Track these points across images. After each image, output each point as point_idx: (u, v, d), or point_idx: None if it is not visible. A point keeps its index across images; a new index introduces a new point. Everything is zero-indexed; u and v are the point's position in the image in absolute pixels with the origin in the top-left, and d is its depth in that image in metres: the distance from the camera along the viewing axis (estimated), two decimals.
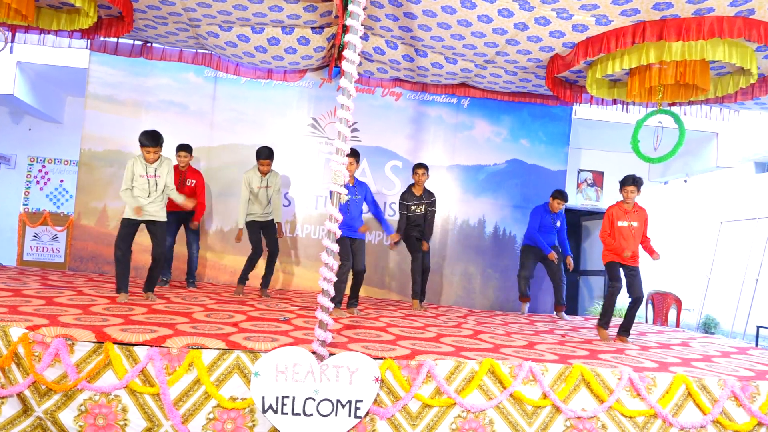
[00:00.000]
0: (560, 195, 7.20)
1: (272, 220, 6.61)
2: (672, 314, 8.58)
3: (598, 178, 10.64)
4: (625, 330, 5.58)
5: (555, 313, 7.51)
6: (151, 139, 5.20)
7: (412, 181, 6.81)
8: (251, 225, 6.48)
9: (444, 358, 3.66)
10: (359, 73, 7.78)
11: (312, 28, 6.52)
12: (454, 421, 3.50)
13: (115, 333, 3.53)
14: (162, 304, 5.01)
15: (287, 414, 3.33)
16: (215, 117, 7.91)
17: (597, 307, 9.70)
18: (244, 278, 6.50)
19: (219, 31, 6.72)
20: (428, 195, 6.85)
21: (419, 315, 6.12)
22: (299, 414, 3.34)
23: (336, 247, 3.52)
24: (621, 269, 5.59)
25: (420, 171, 6.72)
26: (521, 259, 7.46)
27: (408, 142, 8.22)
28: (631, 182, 5.57)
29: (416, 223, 6.78)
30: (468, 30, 5.88)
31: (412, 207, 6.72)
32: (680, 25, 4.97)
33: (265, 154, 6.37)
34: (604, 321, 5.64)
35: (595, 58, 5.83)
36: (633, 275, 5.55)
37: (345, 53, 3.54)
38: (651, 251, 5.63)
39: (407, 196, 6.76)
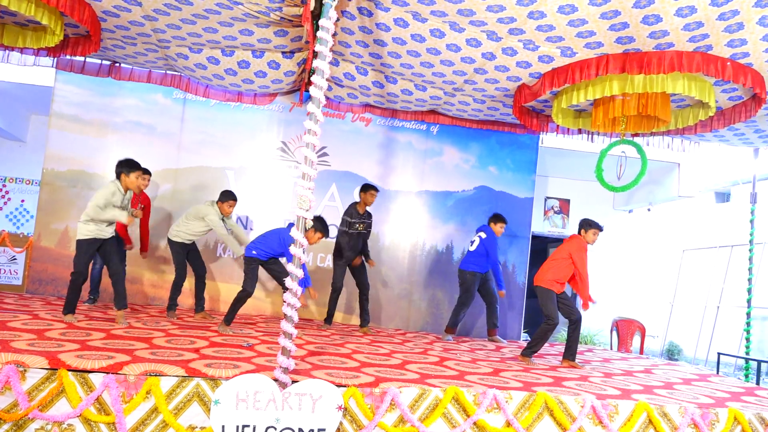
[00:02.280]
0: (503, 218, 7.25)
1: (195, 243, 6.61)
2: (636, 341, 8.70)
3: (564, 206, 10.80)
4: (572, 354, 5.69)
5: (489, 337, 7.44)
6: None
7: (356, 200, 6.92)
8: (180, 246, 6.42)
9: (408, 385, 3.63)
10: (329, 98, 7.81)
11: (283, 53, 6.54)
12: None
13: (70, 359, 3.42)
14: (122, 329, 4.88)
15: None
16: (183, 139, 7.84)
17: (563, 333, 9.77)
18: (173, 305, 6.39)
19: (189, 53, 6.69)
20: (368, 215, 7.02)
21: (385, 342, 6.07)
22: None
23: (300, 273, 3.48)
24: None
25: (375, 193, 6.88)
26: (471, 289, 7.16)
27: (378, 168, 8.25)
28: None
29: (353, 244, 6.80)
30: (437, 58, 5.96)
31: (356, 224, 6.79)
32: (642, 59, 5.13)
33: (233, 197, 6.46)
34: (533, 351, 5.70)
35: (561, 89, 5.96)
36: (566, 299, 5.78)
37: (313, 78, 3.55)
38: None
39: (353, 213, 6.81)
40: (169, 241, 6.43)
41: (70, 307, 5.16)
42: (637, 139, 6.71)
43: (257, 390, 3.31)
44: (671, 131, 6.99)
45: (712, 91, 5.49)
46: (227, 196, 6.40)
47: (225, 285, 7.70)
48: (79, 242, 5.23)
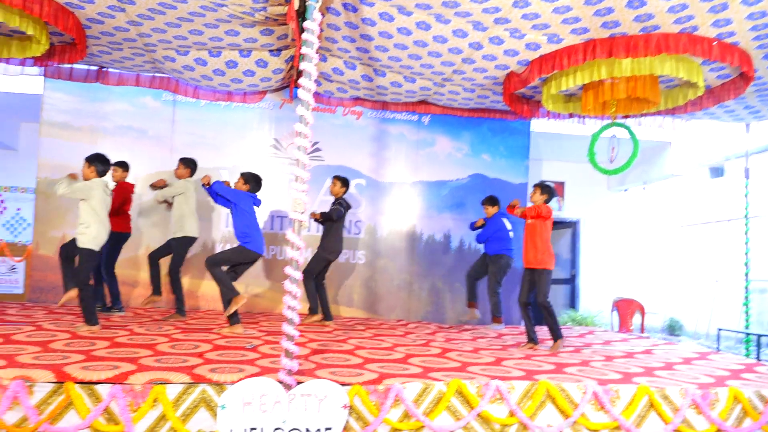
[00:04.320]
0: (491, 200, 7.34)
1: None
2: (636, 320, 8.78)
3: (559, 188, 10.84)
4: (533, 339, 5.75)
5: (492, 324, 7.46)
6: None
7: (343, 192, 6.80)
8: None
9: (412, 380, 3.68)
10: (319, 93, 7.81)
11: (270, 51, 6.53)
12: None
13: (76, 371, 3.46)
14: (125, 336, 4.92)
15: None
16: (175, 141, 7.83)
17: (563, 317, 9.85)
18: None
19: (176, 55, 6.67)
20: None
21: (387, 335, 6.12)
22: None
23: (298, 275, 3.51)
24: None
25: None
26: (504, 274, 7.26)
27: (371, 160, 8.26)
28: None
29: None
30: (424, 50, 5.97)
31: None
32: (628, 43, 5.15)
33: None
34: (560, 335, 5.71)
35: (549, 75, 5.97)
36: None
37: (301, 81, 3.55)
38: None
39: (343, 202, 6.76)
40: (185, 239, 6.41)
41: (94, 318, 5.15)
42: (627, 121, 6.73)
43: (263, 393, 3.35)
44: (661, 112, 7.02)
45: (700, 71, 5.51)
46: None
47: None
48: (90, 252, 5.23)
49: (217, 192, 5.74)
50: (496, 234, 7.17)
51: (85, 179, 5.25)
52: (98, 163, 5.27)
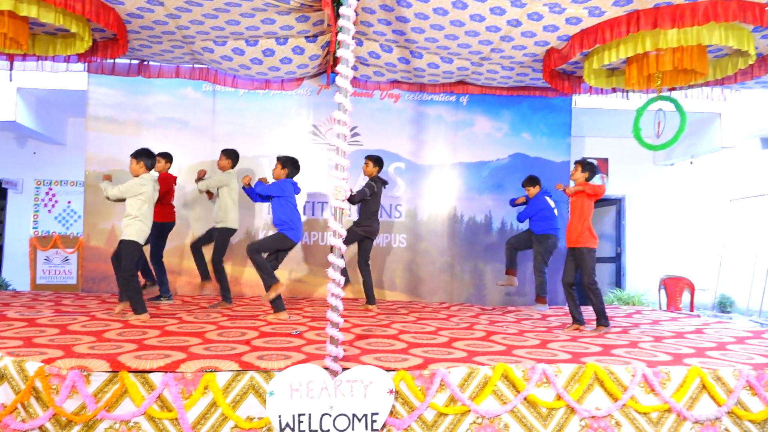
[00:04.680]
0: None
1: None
2: (685, 297, 8.56)
3: (602, 165, 10.60)
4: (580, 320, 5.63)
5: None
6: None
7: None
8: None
9: (457, 365, 3.67)
10: (356, 78, 7.79)
11: (306, 37, 6.53)
12: (470, 427, 3.51)
13: (129, 361, 3.57)
14: (175, 324, 5.05)
15: (304, 431, 3.36)
16: (216, 131, 7.95)
17: (609, 296, 9.67)
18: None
19: (213, 46, 6.74)
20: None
21: (431, 318, 6.12)
22: (316, 430, 3.36)
23: (342, 263, 3.53)
24: None
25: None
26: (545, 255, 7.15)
27: (409, 143, 8.23)
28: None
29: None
30: (461, 30, 5.87)
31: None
32: (674, 12, 4.95)
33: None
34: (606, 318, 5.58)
35: (591, 50, 5.80)
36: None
37: (338, 68, 3.54)
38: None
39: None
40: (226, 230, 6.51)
41: (141, 307, 5.29)
42: (674, 94, 6.51)
43: (309, 379, 3.40)
44: (710, 82, 6.75)
45: (751, 39, 5.28)
46: None
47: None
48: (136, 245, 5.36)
49: (259, 193, 5.79)
50: (541, 213, 7.03)
51: (135, 175, 5.37)
52: (145, 157, 5.38)
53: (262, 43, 6.66)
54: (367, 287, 6.73)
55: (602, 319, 5.47)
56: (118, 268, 5.47)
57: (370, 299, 6.75)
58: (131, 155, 5.40)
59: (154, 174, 5.47)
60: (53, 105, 9.21)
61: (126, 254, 5.26)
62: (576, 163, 5.67)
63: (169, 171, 6.75)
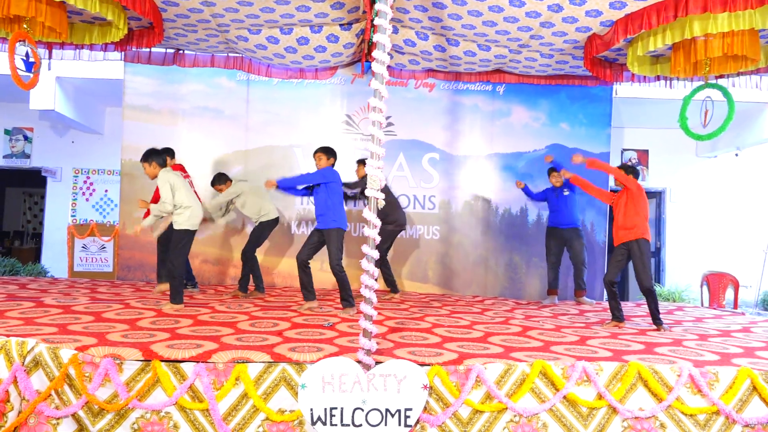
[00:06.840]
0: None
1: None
2: (729, 294, 8.27)
3: (642, 157, 10.29)
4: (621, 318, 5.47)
5: (576, 298, 7.37)
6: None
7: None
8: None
9: (493, 361, 3.56)
10: (391, 66, 7.67)
11: (340, 25, 6.43)
12: (507, 425, 3.40)
13: (162, 350, 3.54)
14: (207, 314, 5.04)
15: (336, 425, 3.28)
16: (250, 120, 7.92)
17: None
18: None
19: (248, 34, 6.69)
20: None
21: (464, 312, 6.00)
22: (348, 425, 3.29)
23: (376, 254, 3.44)
24: None
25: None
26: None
27: (444, 133, 8.08)
28: None
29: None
30: (500, 16, 5.71)
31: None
32: None
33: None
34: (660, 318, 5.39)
35: (636, 36, 5.59)
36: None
37: (374, 54, 3.43)
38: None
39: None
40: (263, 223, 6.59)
41: (180, 298, 5.33)
42: (722, 82, 6.23)
43: (342, 373, 3.33)
44: (761, 70, 6.43)
45: None
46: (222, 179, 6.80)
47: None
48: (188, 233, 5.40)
49: (292, 186, 5.78)
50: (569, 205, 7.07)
51: (152, 177, 5.42)
52: (154, 156, 5.39)
53: (296, 32, 6.59)
54: (388, 276, 6.86)
55: (658, 322, 5.33)
56: (163, 251, 5.50)
57: (394, 288, 6.88)
58: (141, 161, 5.42)
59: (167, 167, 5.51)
60: (91, 94, 9.31)
61: (177, 243, 5.31)
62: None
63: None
